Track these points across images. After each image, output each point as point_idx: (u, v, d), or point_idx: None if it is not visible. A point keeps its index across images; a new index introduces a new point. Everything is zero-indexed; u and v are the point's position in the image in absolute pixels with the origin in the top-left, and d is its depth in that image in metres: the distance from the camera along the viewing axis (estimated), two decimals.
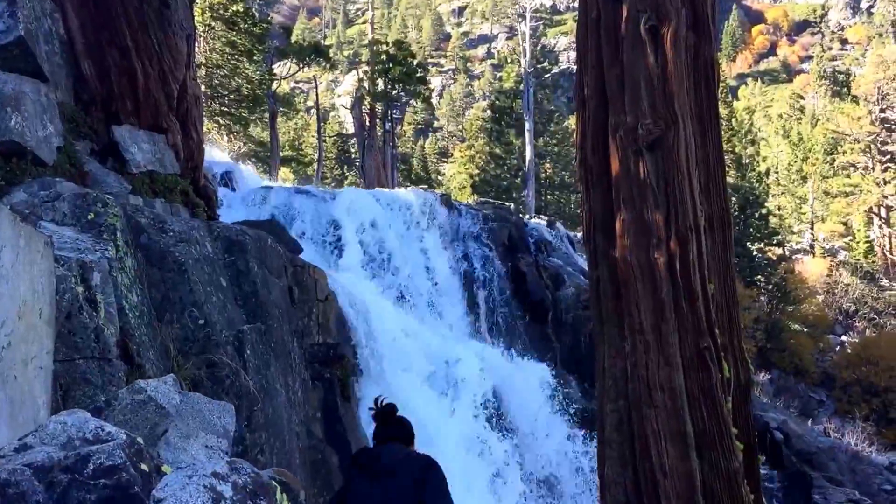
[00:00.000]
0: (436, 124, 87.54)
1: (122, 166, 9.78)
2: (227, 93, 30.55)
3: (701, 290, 6.71)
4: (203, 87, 28.96)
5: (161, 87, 10.79)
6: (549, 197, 43.13)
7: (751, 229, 38.03)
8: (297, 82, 68.04)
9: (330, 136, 52.45)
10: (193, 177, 11.69)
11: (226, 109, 31.04)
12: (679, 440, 6.57)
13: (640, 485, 6.68)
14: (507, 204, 26.44)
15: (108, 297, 5.29)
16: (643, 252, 6.70)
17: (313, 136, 46.29)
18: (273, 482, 2.83)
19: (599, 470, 7.21)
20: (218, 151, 26.80)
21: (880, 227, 51.81)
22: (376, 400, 4.57)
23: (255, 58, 30.20)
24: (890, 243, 51.53)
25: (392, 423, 4.47)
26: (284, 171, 42.38)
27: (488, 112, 45.28)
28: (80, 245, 5.71)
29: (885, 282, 47.93)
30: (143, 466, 2.78)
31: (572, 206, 41.20)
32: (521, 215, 24.97)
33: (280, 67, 37.76)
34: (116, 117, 10.24)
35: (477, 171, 42.25)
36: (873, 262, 49.47)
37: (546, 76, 40.61)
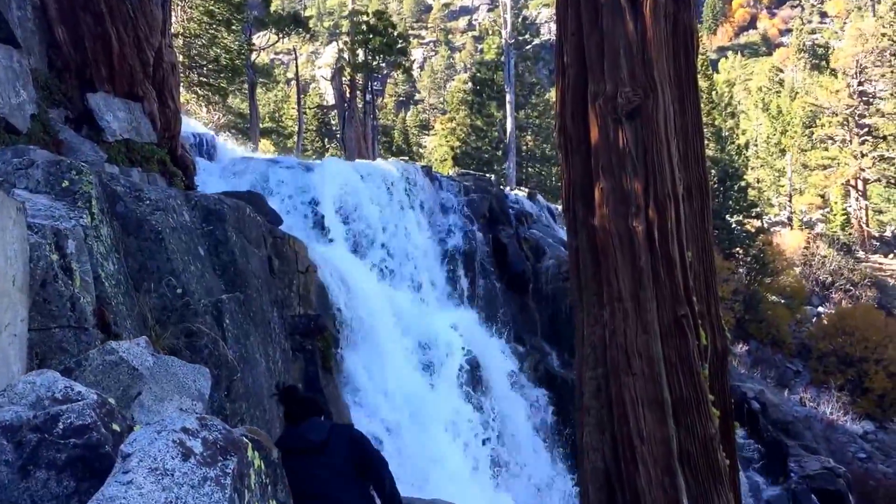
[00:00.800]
0: (417, 96, 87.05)
1: (98, 134, 9.66)
2: (205, 63, 30.13)
3: (679, 259, 6.75)
4: (181, 57, 28.54)
5: (136, 53, 10.63)
6: (530, 169, 43.12)
7: (730, 202, 38.30)
8: (277, 53, 67.30)
9: (310, 108, 51.99)
10: (170, 146, 11.58)
11: (204, 80, 30.64)
12: (656, 407, 6.63)
13: (618, 450, 6.75)
14: (488, 176, 26.38)
15: (83, 266, 5.23)
16: (622, 220, 6.72)
17: (294, 108, 45.87)
18: (245, 439, 2.81)
19: (578, 436, 7.29)
20: (197, 122, 26.51)
21: (857, 199, 52.35)
22: (277, 385, 4.71)
23: (233, 27, 29.75)
24: (866, 216, 52.12)
25: (300, 401, 4.62)
26: (265, 143, 42.03)
27: (469, 84, 45.02)
28: (55, 213, 5.64)
29: (861, 254, 48.58)
30: (115, 426, 2.76)
31: (553, 178, 41.23)
32: (501, 187, 24.97)
33: (259, 38, 37.28)
34: (91, 84, 10.09)
35: (458, 144, 42.13)
36: (850, 234, 50.07)
37: (527, 48, 40.34)
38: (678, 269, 6.69)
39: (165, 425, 2.61)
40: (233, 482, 2.52)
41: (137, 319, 5.80)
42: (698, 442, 6.61)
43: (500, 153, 40.42)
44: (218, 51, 29.66)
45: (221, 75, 30.63)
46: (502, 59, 38.89)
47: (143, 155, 10.42)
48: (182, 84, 30.14)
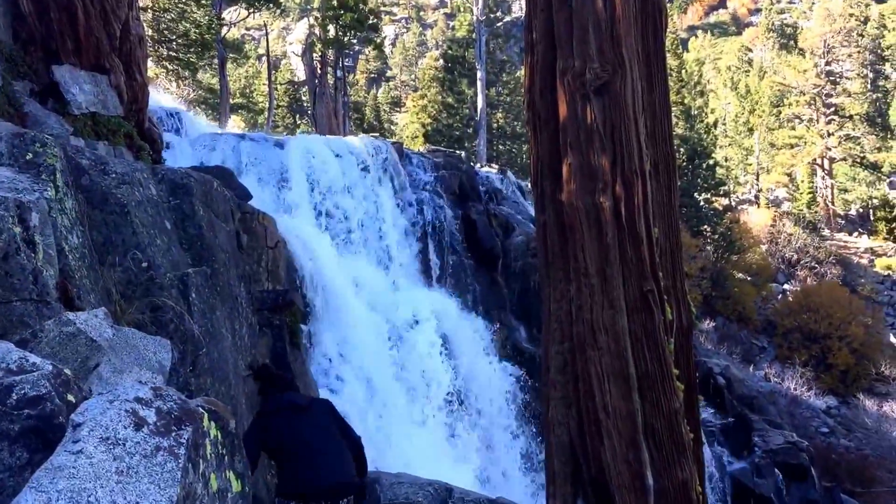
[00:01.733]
0: (389, 73, 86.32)
1: (64, 107, 9.50)
2: (174, 37, 29.68)
3: (645, 234, 6.81)
4: (150, 32, 28.05)
5: (103, 26, 10.45)
6: (500, 147, 43.15)
7: (698, 180, 38.66)
8: (248, 29, 66.36)
9: (282, 84, 51.44)
10: (138, 119, 11.43)
11: (174, 54, 30.20)
12: (622, 381, 6.71)
13: (584, 425, 6.83)
14: (458, 153, 26.35)
15: (47, 239, 5.16)
16: (589, 196, 6.75)
17: (265, 84, 45.35)
18: (201, 409, 2.78)
19: (544, 411, 7.37)
20: (166, 97, 26.15)
21: (823, 178, 53.15)
22: (250, 365, 5.10)
23: (202, 2, 29.28)
24: (832, 195, 52.97)
25: (275, 378, 5.23)
26: (235, 119, 41.60)
27: (441, 61, 44.81)
28: (18, 185, 5.54)
29: (826, 232, 49.43)
30: (70, 397, 2.73)
31: (524, 155, 41.31)
32: (472, 164, 24.96)
33: (230, 13, 36.71)
34: (57, 57, 9.91)
35: (429, 121, 42.01)
36: (815, 212, 50.86)
37: (498, 25, 40.14)
38: (644, 244, 6.75)
39: (118, 395, 2.57)
40: (187, 452, 2.50)
41: (102, 293, 5.74)
42: (663, 416, 6.70)
43: (471, 130, 40.35)
44: (187, 25, 29.21)
45: (191, 50, 30.19)
46: (474, 36, 38.71)
47: (110, 128, 10.27)
48: (151, 58, 29.67)
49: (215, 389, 6.66)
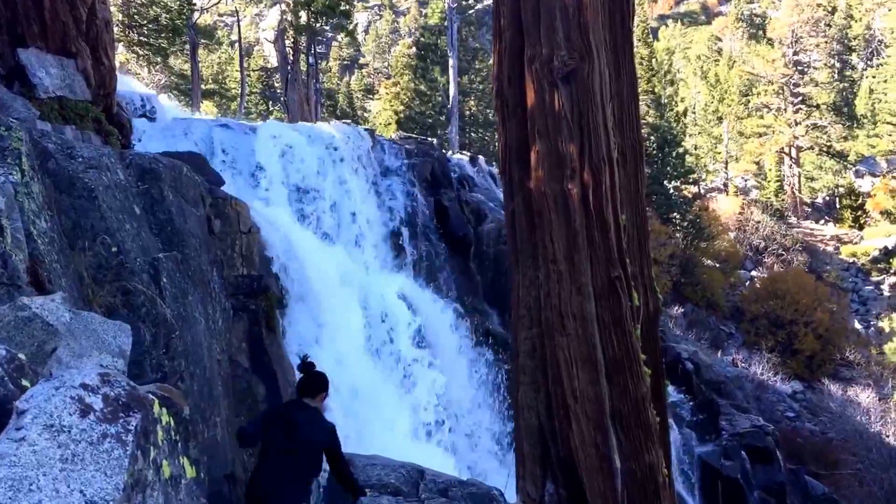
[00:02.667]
0: (362, 61, 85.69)
1: (30, 91, 9.42)
2: (145, 22, 29.28)
3: (613, 221, 6.92)
4: (120, 16, 27.67)
5: (69, 9, 10.35)
6: (472, 134, 43.17)
7: (668, 168, 38.99)
8: (220, 15, 65.46)
9: (254, 71, 50.96)
10: (106, 104, 11.33)
11: (144, 40, 29.80)
12: (589, 366, 6.84)
13: (552, 409, 6.95)
14: (430, 140, 26.35)
15: (14, 223, 5.14)
16: (557, 183, 6.84)
17: (238, 71, 44.89)
18: (151, 395, 2.74)
19: (514, 395, 7.48)
20: (137, 82, 25.79)
21: (790, 167, 53.86)
22: (303, 357, 5.70)
23: None
24: (799, 183, 53.71)
25: (313, 376, 5.48)
26: (207, 105, 41.16)
27: (414, 49, 44.65)
28: None
29: (793, 219, 50.15)
30: (25, 382, 2.68)
31: (496, 143, 41.16)
32: (444, 151, 24.97)
33: None
34: (23, 41, 9.82)
35: (402, 108, 41.90)
36: (783, 200, 51.56)
37: (470, 12, 40.12)
38: (612, 231, 6.87)
39: (64, 381, 2.51)
40: (135, 439, 2.45)
41: (73, 277, 5.73)
42: (630, 400, 6.84)
43: (443, 118, 40.33)
44: (158, 10, 28.85)
45: (162, 36, 29.83)
46: (446, 23, 38.64)
47: (77, 112, 10.18)
48: (122, 44, 29.27)
49: (189, 372, 6.68)
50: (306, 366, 5.54)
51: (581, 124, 6.76)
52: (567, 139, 6.75)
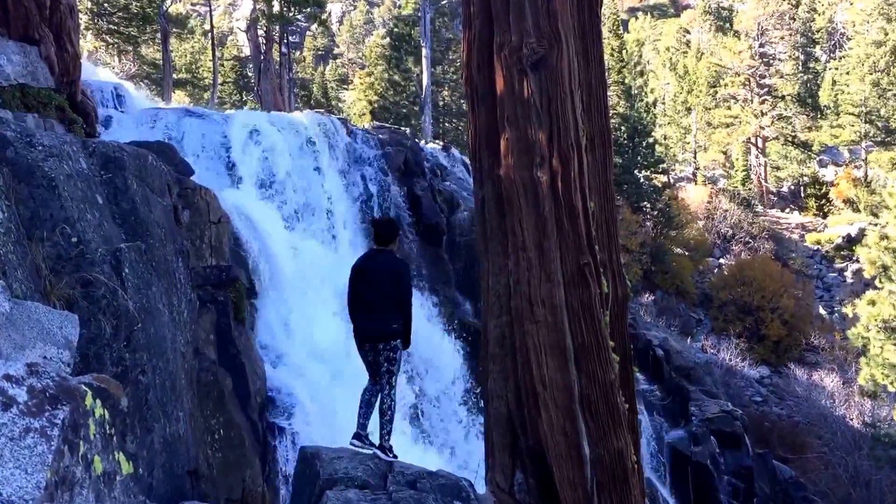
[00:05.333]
0: (336, 51, 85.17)
1: None
2: (115, 10, 28.77)
3: (582, 208, 6.90)
4: (88, 4, 27.18)
5: None
6: (446, 124, 43.15)
7: (638, 157, 39.25)
8: (193, 4, 64.61)
9: (228, 60, 50.35)
10: (70, 92, 11.10)
11: (114, 28, 29.28)
12: (559, 353, 6.81)
13: (522, 396, 6.92)
14: (404, 129, 26.24)
15: None
16: (526, 170, 6.81)
17: (211, 60, 44.33)
18: (84, 387, 2.60)
19: (483, 383, 7.46)
20: (107, 71, 25.34)
21: (757, 156, 54.56)
22: (372, 219, 8.07)
23: None
24: (765, 172, 54.43)
25: (382, 227, 7.11)
26: (179, 95, 40.65)
27: (387, 39, 44.43)
28: None
29: (759, 208, 50.82)
30: None
31: (468, 132, 41.25)
32: (417, 140, 24.89)
33: None
34: None
35: (376, 98, 41.75)
36: (750, 189, 52.22)
37: (444, 3, 39.99)
38: (581, 218, 6.85)
39: None
40: (62, 433, 2.33)
41: (30, 269, 5.59)
42: (599, 387, 6.82)
43: (417, 108, 40.23)
44: None
45: (132, 24, 29.34)
46: (419, 14, 38.49)
47: (40, 100, 9.96)
48: (90, 31, 28.75)
49: (152, 365, 6.57)
50: (374, 222, 7.31)
51: (550, 111, 6.73)
52: (536, 126, 6.72)
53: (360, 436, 6.89)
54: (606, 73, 7.91)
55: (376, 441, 6.89)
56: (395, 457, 6.85)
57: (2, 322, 3.07)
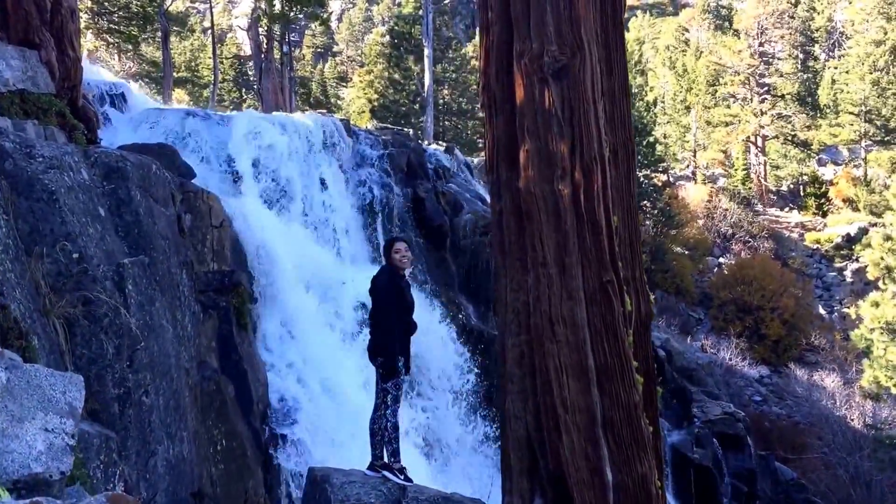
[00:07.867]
0: (335, 49, 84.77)
1: None
2: (115, 9, 28.50)
3: (605, 223, 6.62)
4: (89, 3, 26.90)
5: None
6: (447, 123, 42.88)
7: (638, 156, 39.04)
8: (192, 2, 64.28)
9: (227, 59, 50.03)
10: (71, 97, 10.80)
11: (114, 27, 29.02)
12: (580, 374, 6.53)
13: (541, 419, 6.63)
14: (406, 130, 25.97)
15: None
16: (547, 183, 6.53)
17: (210, 58, 44.02)
18: None
19: (501, 404, 7.19)
20: (107, 71, 25.03)
21: (756, 155, 54.41)
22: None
23: None
24: (765, 171, 54.29)
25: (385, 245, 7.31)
26: (179, 93, 40.38)
27: (387, 37, 44.10)
28: None
29: (759, 207, 50.69)
30: None
31: (469, 131, 41.08)
32: (419, 141, 24.63)
33: None
34: None
35: (376, 97, 41.47)
36: (749, 188, 52.07)
37: (445, 2, 39.69)
38: (604, 233, 6.57)
39: None
40: None
41: (29, 287, 5.31)
42: (622, 409, 6.54)
43: (417, 107, 39.93)
44: None
45: (132, 23, 29.09)
46: (420, 12, 38.17)
47: (40, 106, 9.66)
48: (91, 31, 28.45)
49: (156, 385, 6.30)
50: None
51: (572, 122, 6.44)
52: (557, 137, 6.43)
53: (373, 465, 6.69)
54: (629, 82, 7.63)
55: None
56: (407, 479, 6.57)
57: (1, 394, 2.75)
